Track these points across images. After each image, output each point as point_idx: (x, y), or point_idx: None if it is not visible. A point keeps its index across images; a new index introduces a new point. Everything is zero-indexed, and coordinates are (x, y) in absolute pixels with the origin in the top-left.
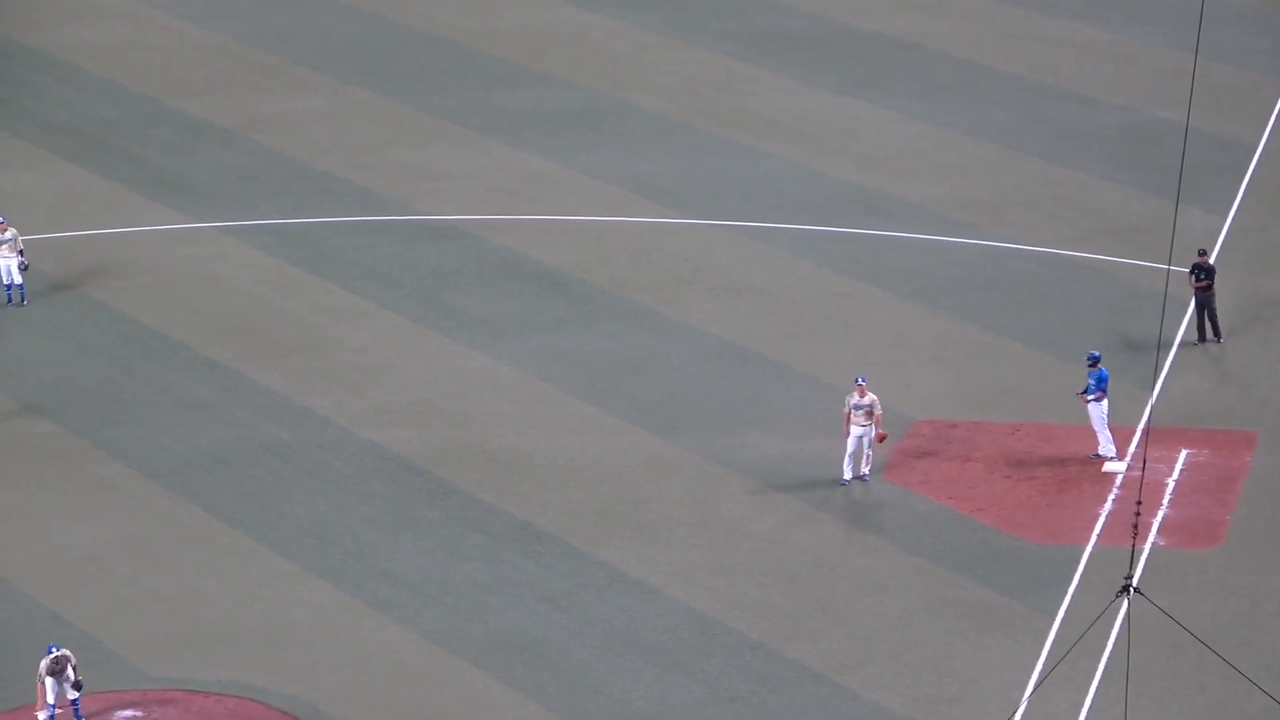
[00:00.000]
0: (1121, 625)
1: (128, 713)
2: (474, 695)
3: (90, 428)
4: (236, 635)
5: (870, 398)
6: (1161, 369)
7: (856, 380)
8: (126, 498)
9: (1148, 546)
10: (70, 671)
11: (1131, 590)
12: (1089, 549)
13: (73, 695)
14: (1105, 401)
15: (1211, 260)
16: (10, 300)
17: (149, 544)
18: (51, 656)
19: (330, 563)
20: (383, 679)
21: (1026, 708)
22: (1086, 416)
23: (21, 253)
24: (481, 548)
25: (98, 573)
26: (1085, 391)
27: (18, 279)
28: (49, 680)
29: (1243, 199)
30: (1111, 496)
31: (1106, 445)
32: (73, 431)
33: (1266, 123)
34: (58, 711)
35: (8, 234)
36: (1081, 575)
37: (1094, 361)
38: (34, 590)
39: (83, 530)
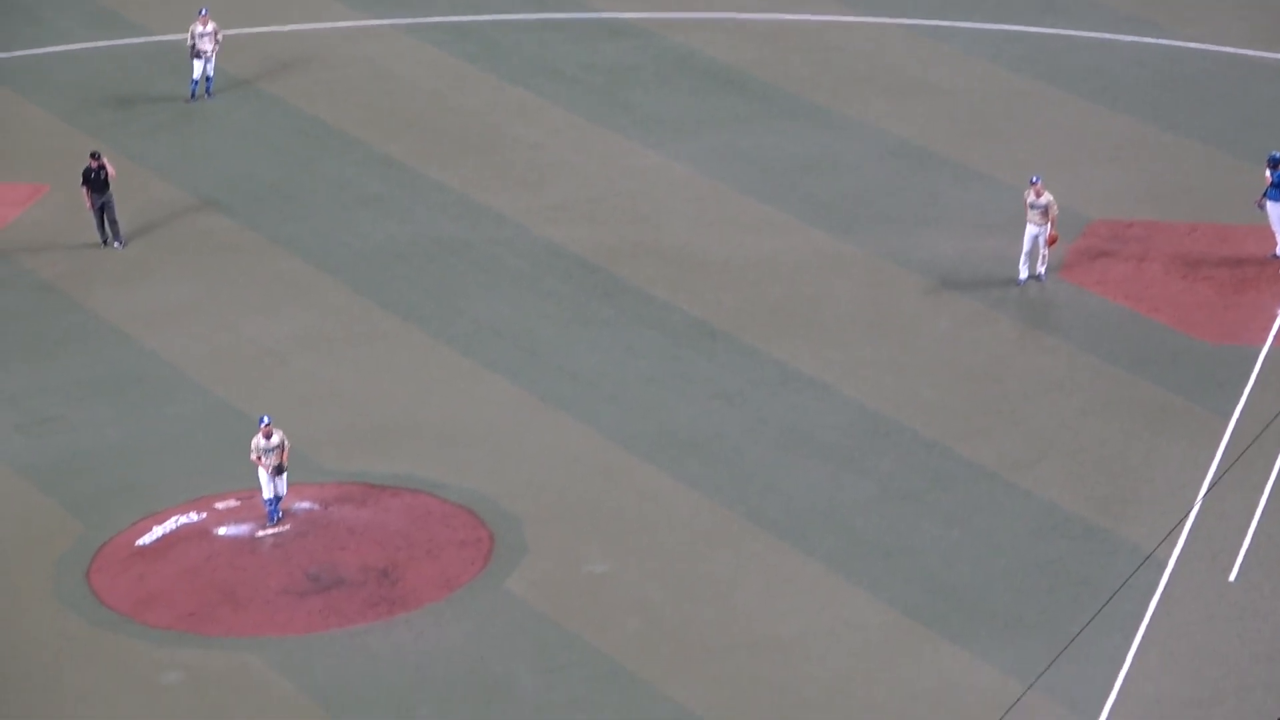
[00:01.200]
0: None
1: (305, 505)
2: (648, 490)
3: (269, 223)
4: (413, 430)
5: (1046, 197)
6: None
7: (1031, 180)
8: (304, 292)
9: None
10: (277, 441)
11: None
12: (1266, 349)
13: (270, 495)
14: None
15: None
16: (194, 96)
17: (327, 339)
18: (264, 426)
19: (506, 359)
20: (558, 474)
21: (1200, 508)
22: (1265, 217)
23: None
24: (656, 345)
25: (277, 367)
26: (1264, 194)
27: (209, 71)
28: (260, 471)
29: None
30: None
31: None
32: (251, 227)
33: None
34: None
35: (208, 27)
36: (1258, 376)
37: (1275, 163)
38: (213, 384)
39: (261, 324)
